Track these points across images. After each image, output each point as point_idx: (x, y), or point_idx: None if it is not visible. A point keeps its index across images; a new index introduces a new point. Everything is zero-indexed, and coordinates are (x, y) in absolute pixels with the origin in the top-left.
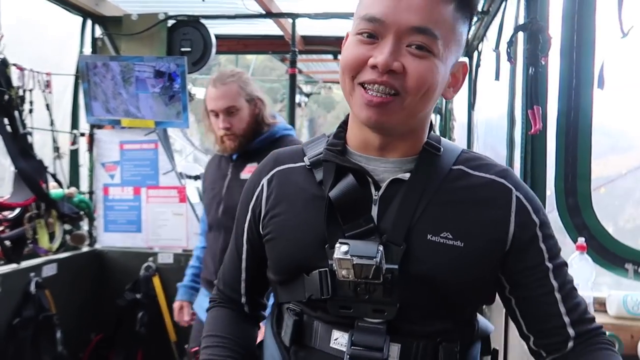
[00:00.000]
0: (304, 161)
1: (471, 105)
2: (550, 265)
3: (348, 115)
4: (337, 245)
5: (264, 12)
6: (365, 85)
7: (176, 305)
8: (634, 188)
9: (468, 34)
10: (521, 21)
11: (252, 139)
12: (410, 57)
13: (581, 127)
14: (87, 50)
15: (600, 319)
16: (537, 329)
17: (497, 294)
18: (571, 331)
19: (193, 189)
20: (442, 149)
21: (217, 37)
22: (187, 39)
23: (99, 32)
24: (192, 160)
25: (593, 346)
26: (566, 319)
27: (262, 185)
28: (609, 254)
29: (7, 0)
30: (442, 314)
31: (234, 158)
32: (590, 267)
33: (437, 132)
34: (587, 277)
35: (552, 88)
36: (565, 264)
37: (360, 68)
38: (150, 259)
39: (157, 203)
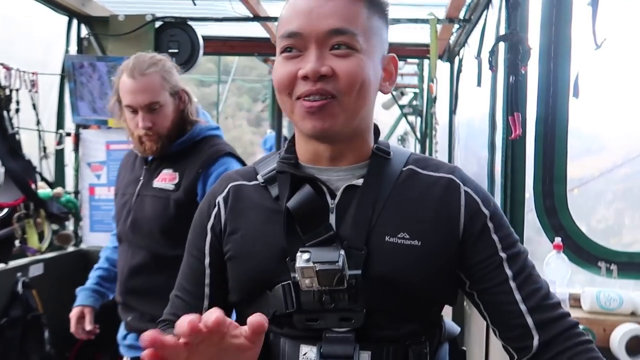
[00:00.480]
0: (257, 179)
1: (453, 110)
2: (503, 255)
3: (294, 134)
4: (298, 254)
5: (251, 16)
6: (303, 98)
7: (74, 312)
8: (606, 190)
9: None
10: (502, 31)
11: (175, 140)
12: (336, 59)
13: (558, 133)
14: (73, 50)
15: (575, 314)
16: (498, 320)
17: (462, 294)
18: (530, 320)
19: None
20: (391, 153)
21: (203, 38)
22: (174, 40)
23: (85, 32)
24: None
25: (568, 355)
26: (523, 307)
27: (218, 203)
28: (584, 252)
29: None
30: (408, 316)
31: (148, 160)
32: (566, 265)
33: (418, 135)
34: (563, 274)
35: (531, 96)
36: (523, 253)
37: (294, 83)
38: None
39: None
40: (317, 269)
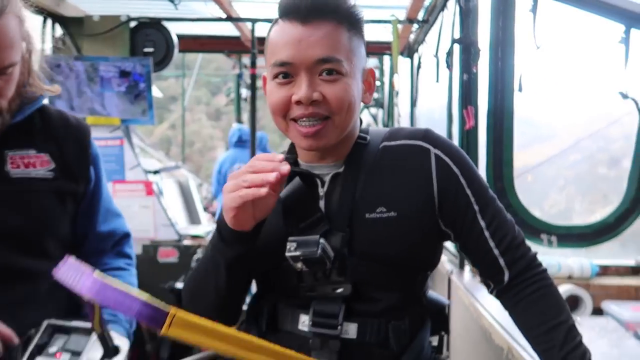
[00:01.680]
0: None
1: (413, 102)
2: (477, 207)
3: None
4: (287, 244)
5: (224, 16)
6: (297, 120)
7: None
8: (557, 175)
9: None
10: (457, 33)
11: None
12: (325, 84)
13: (505, 123)
14: (48, 49)
15: None
16: (478, 262)
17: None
18: (502, 261)
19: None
20: (368, 137)
21: (177, 36)
22: (149, 40)
23: (59, 31)
24: (143, 156)
25: (530, 282)
26: (496, 251)
27: None
28: (528, 226)
29: None
30: (394, 287)
31: None
32: None
33: (381, 126)
34: None
35: (482, 91)
36: (492, 200)
37: (288, 107)
38: None
39: (124, 197)
40: (302, 258)
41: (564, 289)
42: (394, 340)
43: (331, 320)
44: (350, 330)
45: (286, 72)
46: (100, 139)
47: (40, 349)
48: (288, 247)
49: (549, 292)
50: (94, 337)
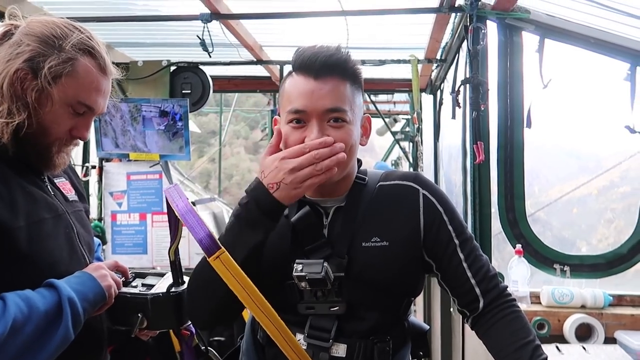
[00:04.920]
0: None
1: (436, 137)
2: (457, 241)
3: None
4: (294, 265)
5: (255, 60)
6: None
7: None
8: (605, 208)
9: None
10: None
11: None
12: (332, 129)
13: (515, 157)
14: None
15: (535, 308)
16: (456, 292)
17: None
18: (477, 290)
19: None
20: (366, 178)
21: (211, 77)
22: (187, 82)
23: None
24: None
25: (501, 307)
26: (473, 281)
27: None
28: (541, 256)
29: None
30: (380, 308)
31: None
32: (526, 267)
33: (411, 159)
34: (524, 275)
35: (493, 127)
36: (470, 238)
37: None
38: None
39: (161, 227)
40: (307, 278)
41: (575, 318)
42: (378, 359)
43: (324, 334)
44: (340, 350)
45: (299, 119)
46: (141, 174)
47: (125, 284)
48: (295, 267)
49: (517, 316)
50: (163, 277)
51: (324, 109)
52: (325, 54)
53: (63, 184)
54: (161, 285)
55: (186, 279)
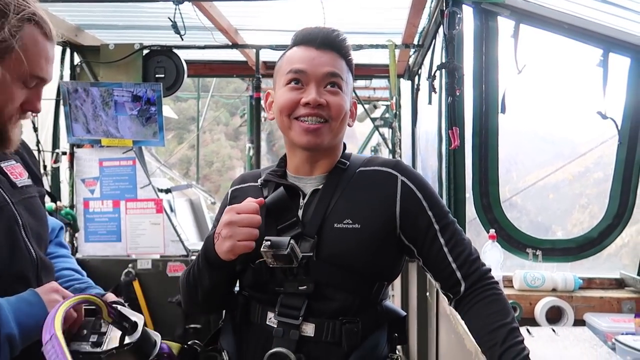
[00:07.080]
0: (257, 182)
1: (414, 123)
2: (437, 226)
3: (285, 154)
4: (263, 241)
5: (230, 44)
6: (301, 118)
7: None
8: (580, 194)
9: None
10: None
11: None
12: (329, 94)
13: (490, 143)
14: (67, 76)
15: (507, 291)
16: (438, 277)
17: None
18: (459, 274)
19: (165, 201)
20: (347, 163)
21: (186, 62)
22: (160, 66)
23: (77, 59)
24: (163, 176)
25: (481, 290)
26: (454, 265)
27: (228, 193)
28: (514, 241)
29: None
30: (352, 290)
31: None
32: (500, 252)
33: (390, 145)
34: (497, 259)
35: (468, 113)
36: (452, 222)
37: (294, 107)
38: (130, 265)
39: (135, 214)
40: (272, 253)
41: (546, 301)
42: (346, 340)
43: (294, 311)
44: (309, 329)
45: (298, 79)
46: (114, 160)
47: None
48: (264, 243)
49: (496, 299)
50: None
51: (323, 72)
52: (326, 30)
53: (12, 167)
54: (112, 335)
55: (178, 274)
